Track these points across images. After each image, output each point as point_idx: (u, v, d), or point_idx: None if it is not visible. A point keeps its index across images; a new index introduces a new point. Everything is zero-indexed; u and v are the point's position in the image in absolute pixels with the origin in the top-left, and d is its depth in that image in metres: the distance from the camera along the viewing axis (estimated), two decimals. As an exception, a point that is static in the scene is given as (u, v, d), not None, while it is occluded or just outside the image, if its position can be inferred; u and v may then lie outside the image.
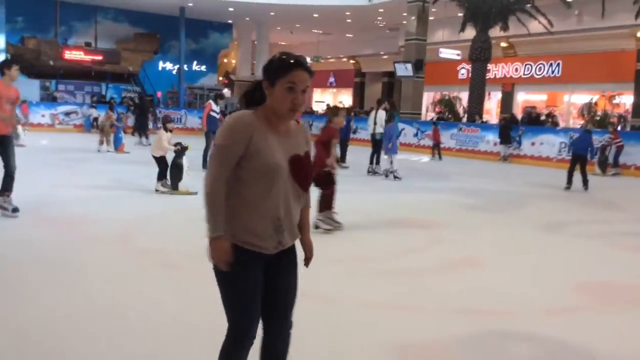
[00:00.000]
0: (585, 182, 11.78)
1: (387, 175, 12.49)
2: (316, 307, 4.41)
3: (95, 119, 23.42)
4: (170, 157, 9.35)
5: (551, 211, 9.54)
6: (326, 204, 7.04)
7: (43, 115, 23.56)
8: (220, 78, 37.95)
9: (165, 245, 6.09)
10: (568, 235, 7.64)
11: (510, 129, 18.29)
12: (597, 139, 15.30)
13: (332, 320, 4.13)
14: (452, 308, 4.49)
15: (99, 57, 28.75)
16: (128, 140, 17.40)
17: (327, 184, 6.99)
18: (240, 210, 2.33)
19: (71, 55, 28.09)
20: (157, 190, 9.32)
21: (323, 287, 4.89)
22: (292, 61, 2.29)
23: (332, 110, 7.78)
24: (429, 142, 20.78)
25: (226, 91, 37.77)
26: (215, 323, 3.93)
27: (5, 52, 24.70)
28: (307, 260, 2.77)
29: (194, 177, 9.06)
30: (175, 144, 9.27)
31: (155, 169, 9.42)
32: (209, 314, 4.10)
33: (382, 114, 13.25)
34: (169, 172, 9.34)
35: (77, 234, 6.38)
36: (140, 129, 19.57)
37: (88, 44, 29.44)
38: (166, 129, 9.43)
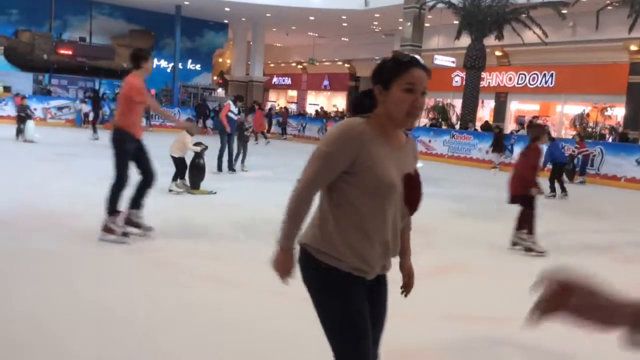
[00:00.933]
0: (564, 189, 12.23)
1: None
2: (302, 311, 4.40)
3: (86, 114, 23.37)
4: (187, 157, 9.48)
5: (541, 220, 9.56)
6: (529, 225, 6.78)
7: (35, 109, 23.37)
8: (215, 77, 37.89)
9: (157, 243, 6.07)
10: (558, 244, 7.67)
11: (503, 137, 18.39)
12: (569, 148, 16.37)
13: (318, 327, 4.11)
14: (440, 314, 4.50)
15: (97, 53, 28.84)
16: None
17: (529, 205, 6.75)
18: (347, 231, 2.08)
19: (64, 51, 28.01)
20: (170, 190, 9.21)
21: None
22: (408, 60, 2.07)
23: (539, 128, 7.26)
24: (421, 147, 20.86)
25: (220, 91, 37.76)
26: (205, 322, 3.93)
27: (-1, 44, 24.57)
28: (407, 288, 2.57)
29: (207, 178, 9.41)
30: (196, 144, 9.35)
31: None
32: (204, 311, 4.11)
33: None
34: (189, 172, 9.41)
35: (65, 229, 6.34)
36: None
37: (82, 39, 29.30)
38: (189, 133, 9.31)
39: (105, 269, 5.07)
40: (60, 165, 11.76)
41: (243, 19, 31.08)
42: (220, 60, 39.37)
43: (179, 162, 9.36)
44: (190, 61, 32.76)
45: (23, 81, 25.74)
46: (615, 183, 15.88)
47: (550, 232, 8.45)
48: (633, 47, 21.56)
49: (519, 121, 26.06)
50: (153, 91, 30.44)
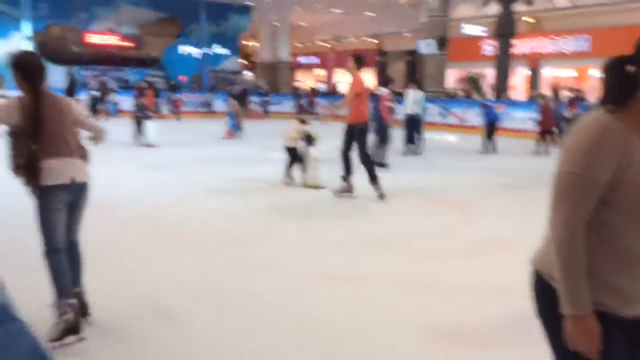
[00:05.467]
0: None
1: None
2: (348, 289, 4.41)
3: (116, 104, 23.68)
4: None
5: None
6: None
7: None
8: (241, 60, 37.90)
9: (196, 230, 6.13)
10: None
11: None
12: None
13: (366, 304, 4.12)
14: (489, 289, 4.44)
15: (125, 43, 29.02)
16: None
17: None
18: (600, 262, 1.66)
19: (95, 39, 28.34)
20: (285, 182, 8.90)
21: (356, 268, 4.90)
22: None
23: None
24: (454, 120, 20.57)
25: (249, 74, 37.77)
26: (246, 306, 3.96)
27: (31, 39, 24.93)
28: None
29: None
30: (304, 134, 8.85)
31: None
32: (242, 296, 4.14)
33: (420, 94, 12.98)
34: (299, 165, 8.90)
35: (112, 218, 6.46)
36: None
37: (110, 30, 29.60)
38: (300, 120, 9.06)
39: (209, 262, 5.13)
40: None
41: (267, 0, 30.89)
42: (246, 43, 39.31)
43: (290, 153, 8.92)
44: (217, 46, 32.80)
45: (56, 74, 26.11)
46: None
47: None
48: (672, 5, 20.75)
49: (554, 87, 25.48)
50: (185, 78, 30.72)
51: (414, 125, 13.09)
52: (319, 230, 6.31)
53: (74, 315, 3.35)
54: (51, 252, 3.37)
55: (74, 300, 3.40)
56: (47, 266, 3.37)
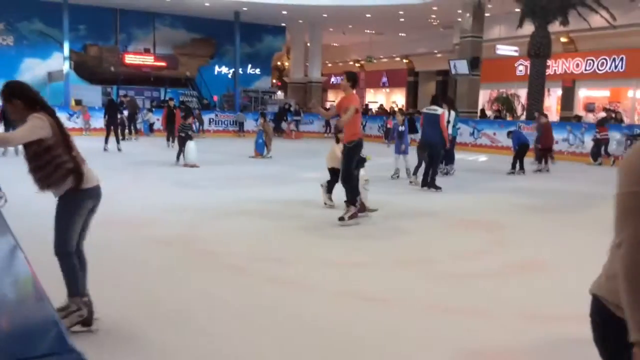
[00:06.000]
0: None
1: (397, 176, 12.20)
2: (380, 311, 4.39)
3: (152, 124, 24.15)
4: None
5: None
6: None
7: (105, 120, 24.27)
8: (274, 80, 38.32)
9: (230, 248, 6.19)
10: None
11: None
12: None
13: (398, 326, 4.09)
14: (524, 313, 4.37)
15: (161, 63, 29.71)
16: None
17: None
18: None
19: (132, 59, 29.11)
20: (325, 204, 8.60)
21: (387, 290, 4.87)
22: None
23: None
24: (486, 141, 20.40)
25: (279, 94, 38.14)
26: (279, 322, 3.97)
27: (70, 59, 25.65)
28: None
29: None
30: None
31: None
32: (274, 313, 4.16)
33: (452, 114, 12.83)
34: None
35: (142, 235, 6.56)
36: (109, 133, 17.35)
37: (147, 50, 30.31)
38: (337, 140, 8.60)
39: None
40: (131, 175, 12.15)
41: (300, 21, 31.27)
42: (279, 63, 39.78)
43: (332, 174, 8.59)
44: (250, 66, 33.27)
45: (93, 94, 26.77)
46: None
47: None
48: None
49: (589, 108, 25.11)
50: (215, 97, 31.22)
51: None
52: (349, 250, 6.30)
53: (87, 312, 3.70)
54: (67, 254, 3.67)
55: (87, 299, 3.73)
56: (62, 267, 3.66)
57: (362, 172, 8.17)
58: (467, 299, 4.71)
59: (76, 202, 3.67)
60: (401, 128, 12.11)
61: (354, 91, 7.60)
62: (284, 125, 27.62)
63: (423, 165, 11.01)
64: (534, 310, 4.47)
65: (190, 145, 13.69)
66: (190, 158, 13.58)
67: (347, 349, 3.69)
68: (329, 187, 8.64)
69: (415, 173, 11.44)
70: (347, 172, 7.37)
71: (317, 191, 10.37)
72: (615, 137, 17.07)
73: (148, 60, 29.96)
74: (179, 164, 13.70)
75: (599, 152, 16.89)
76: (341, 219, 7.33)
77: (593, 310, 1.80)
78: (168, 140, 18.97)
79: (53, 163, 3.56)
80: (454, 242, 6.80)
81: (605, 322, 1.74)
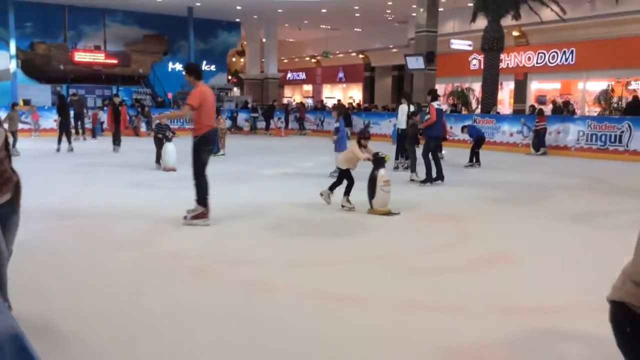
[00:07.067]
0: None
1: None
2: (349, 309, 4.30)
3: (102, 123, 23.46)
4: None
5: (575, 202, 9.37)
6: None
7: (55, 120, 23.48)
8: (229, 77, 37.88)
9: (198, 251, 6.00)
10: (595, 227, 7.47)
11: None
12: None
13: (368, 324, 4.01)
14: (495, 307, 4.34)
15: (112, 61, 28.90)
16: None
17: None
18: None
19: (82, 57, 28.22)
20: (343, 207, 8.10)
21: (354, 287, 4.79)
22: None
23: None
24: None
25: (236, 90, 37.75)
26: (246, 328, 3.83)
27: (16, 58, 24.72)
28: None
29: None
30: (374, 154, 8.02)
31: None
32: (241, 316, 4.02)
33: (412, 109, 12.84)
34: (367, 188, 7.96)
35: (97, 237, 6.31)
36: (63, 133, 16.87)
37: (97, 47, 29.48)
38: (360, 145, 8.17)
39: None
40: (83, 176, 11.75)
41: (255, 17, 30.95)
42: (234, 59, 39.34)
43: (345, 175, 8.23)
44: (205, 62, 32.77)
45: (41, 93, 25.90)
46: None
47: (602, 211, 8.27)
48: (654, 18, 21.02)
49: (540, 101, 25.66)
50: (170, 94, 30.64)
51: (405, 140, 13.02)
52: (316, 248, 6.19)
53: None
54: None
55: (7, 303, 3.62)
56: None
57: (382, 172, 7.85)
58: (438, 294, 4.66)
59: None
60: (336, 124, 11.87)
61: (200, 83, 7.15)
62: (240, 123, 27.34)
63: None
64: (505, 303, 4.45)
65: (168, 147, 12.48)
66: (168, 161, 12.40)
67: (318, 351, 3.58)
68: (346, 190, 8.16)
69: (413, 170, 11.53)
70: (195, 169, 7.08)
71: (278, 189, 10.24)
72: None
73: (99, 57, 29.17)
74: (160, 168, 12.47)
75: (540, 142, 17.43)
76: (185, 217, 7.06)
77: (619, 318, 1.77)
78: (114, 143, 16.93)
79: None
80: (421, 237, 6.77)
81: (638, 331, 1.70)
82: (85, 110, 22.60)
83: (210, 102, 7.19)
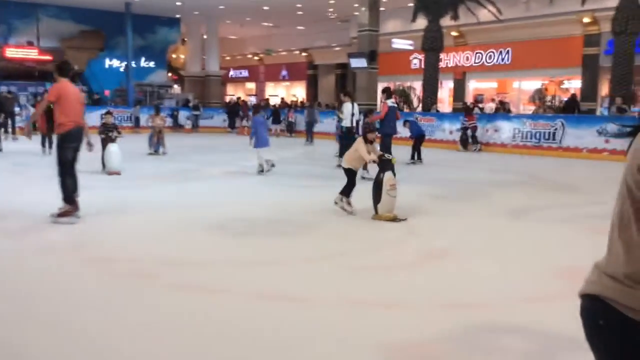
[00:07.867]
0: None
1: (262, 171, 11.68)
2: (294, 309, 4.26)
3: (35, 121, 22.49)
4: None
5: (513, 197, 9.63)
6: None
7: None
8: (169, 74, 37.13)
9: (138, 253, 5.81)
10: (531, 222, 7.69)
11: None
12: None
13: (312, 322, 3.98)
14: (439, 303, 4.40)
15: (46, 57, 27.79)
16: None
17: None
18: None
19: (14, 53, 27.07)
20: (336, 203, 7.70)
21: (298, 287, 4.76)
22: None
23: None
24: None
25: (176, 87, 37.07)
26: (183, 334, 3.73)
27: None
28: None
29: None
30: (380, 156, 7.62)
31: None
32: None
33: (356, 106, 12.81)
34: (372, 192, 7.48)
35: (29, 239, 6.03)
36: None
37: (30, 43, 28.31)
38: (366, 140, 7.70)
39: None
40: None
41: (196, 13, 30.43)
42: (174, 56, 38.59)
43: (348, 175, 7.76)
44: (143, 59, 31.99)
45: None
46: (577, 154, 16.09)
47: (537, 207, 8.51)
48: (586, 20, 21.88)
49: (477, 99, 26.34)
50: (107, 92, 29.75)
51: (350, 138, 13.04)
52: (261, 248, 6.11)
53: None
54: None
55: None
56: None
57: (388, 175, 7.39)
58: (383, 291, 4.68)
59: None
60: (249, 122, 11.97)
61: (63, 79, 7.08)
62: (181, 121, 26.87)
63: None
64: (449, 298, 4.51)
65: (112, 149, 11.35)
66: (112, 164, 11.31)
67: (265, 354, 3.52)
68: (347, 191, 7.74)
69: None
70: (59, 167, 6.99)
71: (221, 188, 10.10)
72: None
73: (32, 53, 28.07)
74: (105, 172, 11.35)
75: (467, 139, 18.06)
76: (51, 214, 6.94)
77: (592, 311, 1.67)
78: (44, 145, 15.25)
79: None
80: (366, 234, 6.80)
81: (613, 325, 1.61)
82: (13, 109, 21.61)
83: (73, 98, 7.09)
